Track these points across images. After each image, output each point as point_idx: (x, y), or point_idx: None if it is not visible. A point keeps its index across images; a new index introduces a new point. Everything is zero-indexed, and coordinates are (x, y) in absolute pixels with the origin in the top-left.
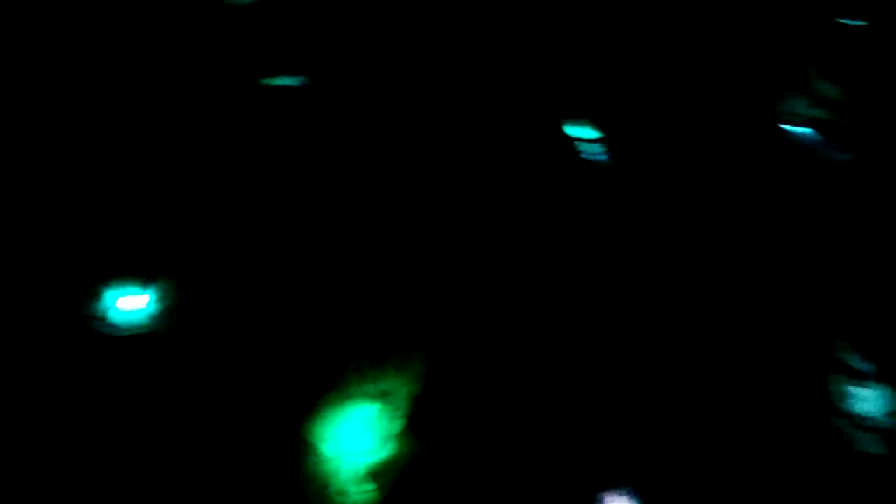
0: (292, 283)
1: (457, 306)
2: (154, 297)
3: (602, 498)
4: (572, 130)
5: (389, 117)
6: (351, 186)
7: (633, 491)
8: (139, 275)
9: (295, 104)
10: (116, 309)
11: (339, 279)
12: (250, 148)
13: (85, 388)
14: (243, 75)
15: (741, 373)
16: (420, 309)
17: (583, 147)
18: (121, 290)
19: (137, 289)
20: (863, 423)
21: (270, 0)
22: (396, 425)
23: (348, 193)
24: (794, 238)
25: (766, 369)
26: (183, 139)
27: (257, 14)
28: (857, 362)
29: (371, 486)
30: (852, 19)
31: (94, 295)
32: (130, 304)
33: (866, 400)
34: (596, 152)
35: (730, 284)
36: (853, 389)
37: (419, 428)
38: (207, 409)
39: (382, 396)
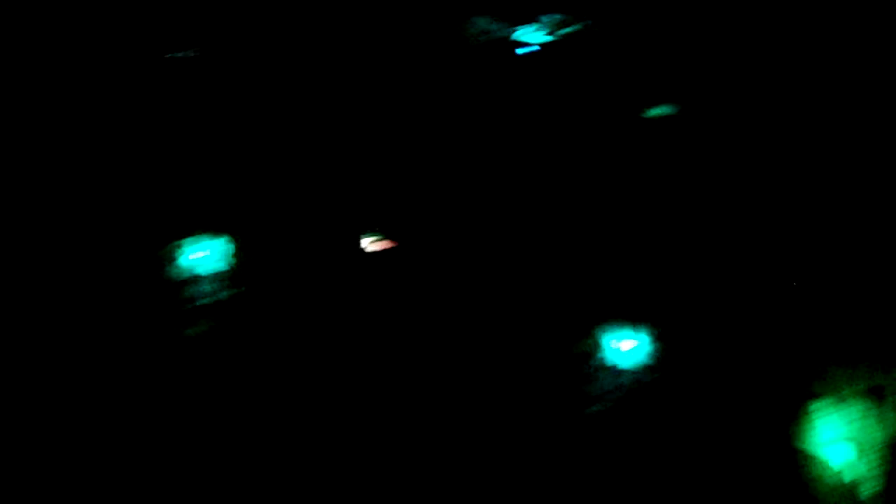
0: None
1: None
2: (644, 340)
3: None
4: None
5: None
6: None
7: None
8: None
9: None
10: (612, 349)
11: None
12: None
13: None
14: None
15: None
16: None
17: None
18: (615, 332)
19: (629, 332)
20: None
21: None
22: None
23: None
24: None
25: None
26: None
27: None
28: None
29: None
30: None
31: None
32: (625, 345)
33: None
34: None
35: None
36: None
37: None
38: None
39: (876, 394)
